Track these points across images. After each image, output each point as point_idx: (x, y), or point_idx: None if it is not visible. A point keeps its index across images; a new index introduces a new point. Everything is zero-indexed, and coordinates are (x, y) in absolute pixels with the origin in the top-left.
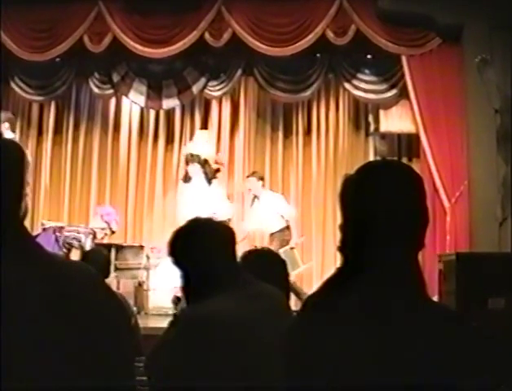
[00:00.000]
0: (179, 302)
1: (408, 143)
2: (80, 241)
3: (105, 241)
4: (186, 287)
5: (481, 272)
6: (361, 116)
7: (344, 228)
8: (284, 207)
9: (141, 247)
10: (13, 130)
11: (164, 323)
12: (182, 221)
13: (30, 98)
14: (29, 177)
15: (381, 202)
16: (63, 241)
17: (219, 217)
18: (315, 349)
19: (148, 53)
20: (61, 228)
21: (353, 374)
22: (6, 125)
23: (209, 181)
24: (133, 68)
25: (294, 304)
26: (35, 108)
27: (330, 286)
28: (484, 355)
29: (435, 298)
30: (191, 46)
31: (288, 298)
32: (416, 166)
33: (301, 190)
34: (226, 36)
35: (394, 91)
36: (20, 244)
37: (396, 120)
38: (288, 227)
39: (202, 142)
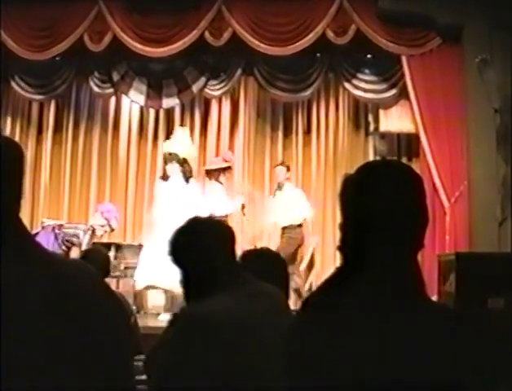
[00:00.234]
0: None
1: (407, 143)
2: (78, 237)
3: (105, 240)
4: (185, 286)
5: (480, 272)
6: (361, 115)
7: (344, 227)
8: (303, 204)
9: (140, 246)
10: None
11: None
12: (158, 220)
13: (30, 96)
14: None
15: (380, 202)
16: (62, 238)
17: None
18: (315, 348)
19: (148, 52)
20: (60, 226)
21: (353, 374)
22: None
23: (187, 180)
24: (133, 67)
25: (294, 303)
26: (35, 107)
27: (330, 285)
28: (483, 355)
29: (435, 298)
30: (191, 46)
31: (287, 297)
32: (415, 166)
33: (300, 189)
34: (226, 35)
35: (394, 91)
36: (20, 243)
37: (396, 120)
38: (300, 225)
39: (181, 140)
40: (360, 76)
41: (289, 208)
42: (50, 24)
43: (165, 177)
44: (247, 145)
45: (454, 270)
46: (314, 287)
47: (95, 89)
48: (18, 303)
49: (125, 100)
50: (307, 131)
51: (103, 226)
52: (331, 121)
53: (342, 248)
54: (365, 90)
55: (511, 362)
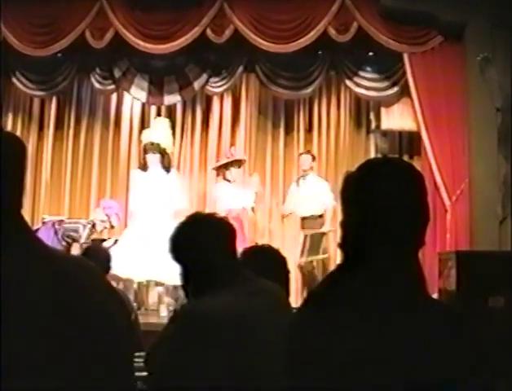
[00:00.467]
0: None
1: (409, 141)
2: (78, 232)
3: (105, 235)
4: (186, 283)
5: (481, 270)
6: (362, 113)
7: (345, 225)
8: (326, 194)
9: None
10: None
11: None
12: (136, 210)
13: (31, 93)
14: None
15: (381, 199)
16: (62, 234)
17: (176, 208)
18: (316, 346)
19: (150, 49)
20: (60, 221)
21: (353, 372)
22: None
23: (168, 170)
24: (134, 64)
25: (295, 300)
26: (36, 103)
27: (331, 283)
28: (484, 353)
29: (435, 296)
30: (192, 42)
31: (288, 294)
32: (417, 164)
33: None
34: (228, 32)
35: (395, 89)
36: (21, 239)
37: (397, 118)
38: (321, 216)
39: (162, 131)
40: (362, 73)
41: (312, 197)
42: (51, 20)
43: (144, 167)
44: (248, 142)
45: (455, 268)
46: None
47: (97, 85)
48: (19, 299)
49: (126, 97)
50: (309, 129)
51: (103, 221)
52: (332, 119)
53: (343, 245)
54: (367, 88)
55: (511, 360)
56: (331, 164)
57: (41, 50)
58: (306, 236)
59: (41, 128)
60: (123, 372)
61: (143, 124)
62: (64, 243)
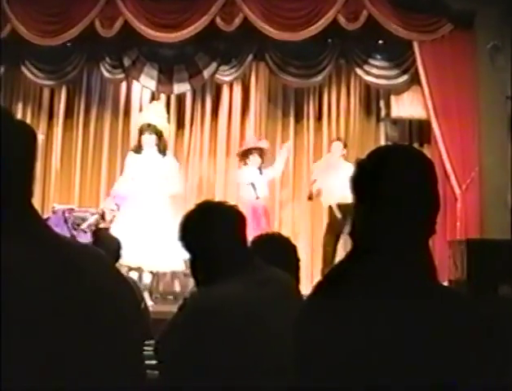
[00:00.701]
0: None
1: (419, 129)
2: (86, 220)
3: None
4: (195, 271)
5: (491, 259)
6: (372, 101)
7: (355, 213)
8: None
9: None
10: None
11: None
12: (130, 194)
13: (41, 82)
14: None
15: (392, 187)
16: (72, 222)
17: (171, 192)
18: (326, 334)
19: (159, 37)
20: (71, 210)
21: (364, 359)
22: None
23: (164, 153)
24: (144, 53)
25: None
26: (46, 93)
27: (341, 271)
28: (495, 340)
29: (445, 284)
30: (202, 31)
31: (298, 283)
32: (427, 152)
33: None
34: (237, 21)
35: (405, 77)
36: (30, 227)
37: (407, 106)
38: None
39: (159, 113)
40: (372, 61)
41: (342, 185)
42: (61, 9)
43: (138, 149)
44: (258, 130)
45: (465, 256)
46: None
47: (106, 74)
48: (29, 287)
49: (136, 86)
50: (319, 117)
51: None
52: (342, 107)
53: (354, 233)
54: (377, 76)
55: None
56: None
57: (50, 40)
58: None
59: (50, 117)
60: (133, 361)
61: None
62: (73, 231)
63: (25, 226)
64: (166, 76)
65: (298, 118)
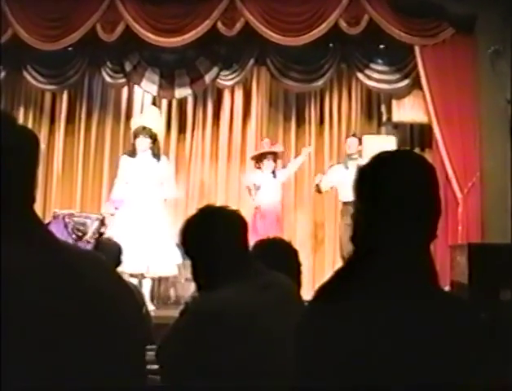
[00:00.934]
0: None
1: (420, 134)
2: (86, 226)
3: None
4: (197, 275)
5: (493, 263)
6: (374, 106)
7: (357, 218)
8: None
9: None
10: None
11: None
12: (125, 199)
13: (43, 87)
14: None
15: (393, 192)
16: (72, 227)
17: (166, 196)
18: (328, 338)
19: (161, 42)
20: (71, 215)
21: (366, 363)
22: None
23: (158, 157)
24: (145, 57)
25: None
26: (47, 97)
27: (342, 275)
28: (495, 344)
29: (447, 289)
30: (203, 36)
31: (299, 287)
32: (428, 157)
33: (313, 179)
34: (238, 25)
35: (406, 81)
36: (32, 232)
37: (409, 111)
38: None
39: (154, 117)
40: (373, 66)
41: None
42: (62, 14)
43: (132, 153)
44: (259, 135)
45: (466, 260)
46: None
47: (108, 79)
48: (29, 292)
49: (137, 90)
50: (320, 121)
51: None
52: (344, 112)
53: (355, 238)
54: (378, 81)
55: None
56: (342, 157)
57: (52, 44)
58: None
59: (52, 122)
60: (134, 365)
61: None
62: (74, 236)
63: (26, 231)
64: (168, 81)
65: (300, 123)
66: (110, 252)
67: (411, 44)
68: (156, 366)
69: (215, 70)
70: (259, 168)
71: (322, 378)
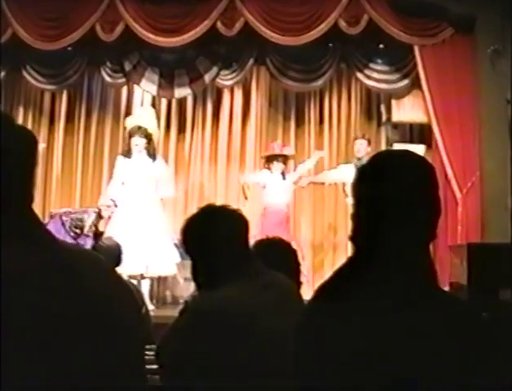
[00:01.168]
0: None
1: (420, 133)
2: (83, 221)
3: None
4: (197, 274)
5: (492, 263)
6: (373, 105)
7: (356, 217)
8: None
9: None
10: None
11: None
12: (121, 199)
13: (42, 86)
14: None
15: (393, 191)
16: (69, 225)
17: (162, 196)
18: (327, 338)
19: (160, 42)
20: (67, 213)
21: (365, 363)
22: None
23: (153, 157)
24: (145, 57)
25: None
26: (47, 97)
27: (341, 275)
28: (495, 344)
29: (446, 289)
30: (203, 36)
31: (299, 287)
32: (427, 156)
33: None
34: (238, 25)
35: (406, 81)
36: (31, 233)
37: (408, 110)
38: None
39: (149, 117)
40: (373, 66)
41: None
42: (62, 14)
43: (128, 153)
44: (259, 135)
45: (466, 260)
46: None
47: (107, 79)
48: (28, 293)
49: (137, 90)
50: (320, 121)
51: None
52: (343, 111)
53: (354, 238)
54: (377, 80)
55: None
56: (342, 157)
57: (51, 44)
58: None
59: (51, 122)
60: (134, 365)
61: None
62: (72, 234)
63: (25, 231)
64: (167, 81)
65: (299, 122)
66: (110, 251)
67: (410, 44)
68: (155, 366)
69: (215, 70)
70: (268, 168)
71: (321, 377)
